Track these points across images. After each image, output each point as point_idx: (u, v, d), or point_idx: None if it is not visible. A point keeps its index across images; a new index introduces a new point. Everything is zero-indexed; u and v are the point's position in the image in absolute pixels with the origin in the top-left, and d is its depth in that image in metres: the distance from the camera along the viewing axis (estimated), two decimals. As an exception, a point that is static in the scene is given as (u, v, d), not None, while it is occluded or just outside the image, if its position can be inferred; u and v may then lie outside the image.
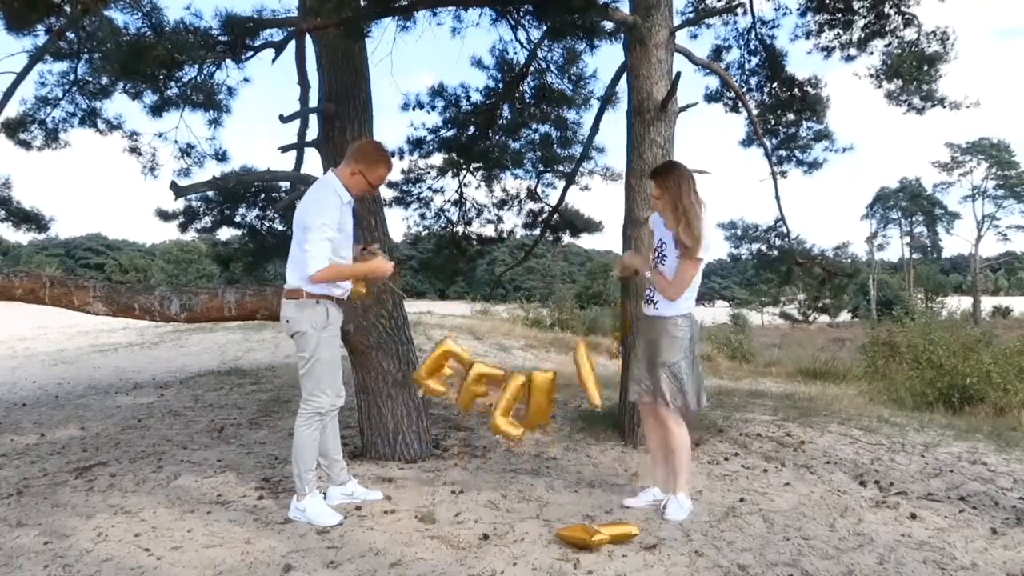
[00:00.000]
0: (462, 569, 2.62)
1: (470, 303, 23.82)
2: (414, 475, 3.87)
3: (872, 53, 6.82)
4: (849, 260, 8.41)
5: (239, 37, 4.54)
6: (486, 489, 3.61)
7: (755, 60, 7.15)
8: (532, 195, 7.73)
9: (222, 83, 6.17)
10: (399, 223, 47.27)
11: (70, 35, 5.64)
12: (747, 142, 7.34)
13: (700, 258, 3.12)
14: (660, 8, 4.65)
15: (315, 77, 4.62)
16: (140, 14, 5.13)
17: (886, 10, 6.50)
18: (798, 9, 6.85)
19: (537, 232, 7.70)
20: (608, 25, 5.16)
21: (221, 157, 6.64)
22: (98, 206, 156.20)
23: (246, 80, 6.50)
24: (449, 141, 7.27)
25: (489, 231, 7.89)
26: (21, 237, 51.96)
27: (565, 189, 7.26)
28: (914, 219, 55.27)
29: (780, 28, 9.87)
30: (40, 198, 7.29)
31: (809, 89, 6.93)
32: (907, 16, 6.48)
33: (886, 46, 6.74)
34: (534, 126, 7.42)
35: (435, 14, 5.16)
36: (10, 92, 4.92)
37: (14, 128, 6.11)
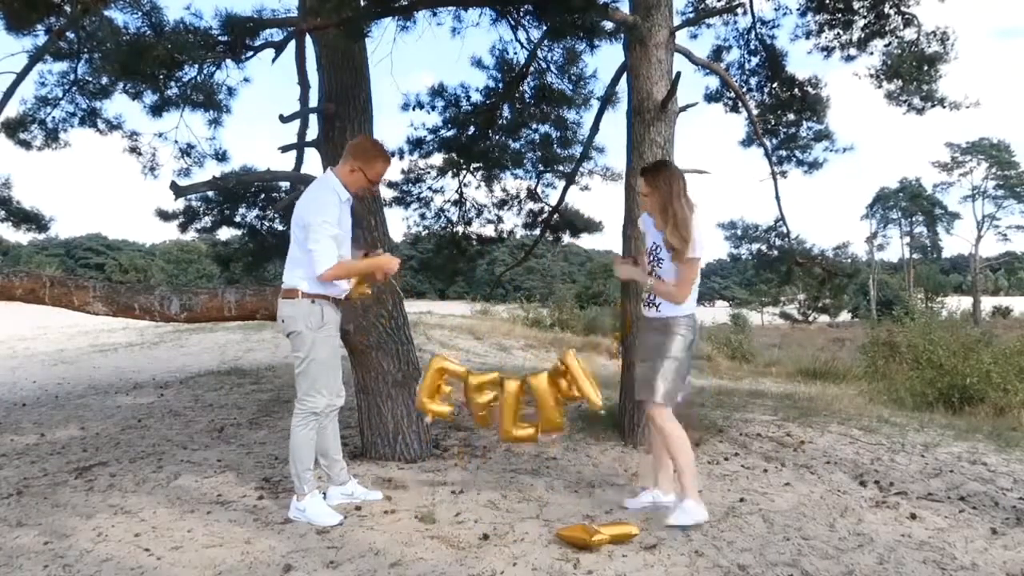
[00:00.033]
0: (462, 569, 2.62)
1: (470, 303, 23.87)
2: (414, 475, 3.87)
3: (872, 53, 6.83)
4: (849, 260, 8.41)
5: (239, 37, 4.54)
6: (486, 489, 3.61)
7: (755, 60, 7.16)
8: (532, 195, 7.73)
9: (222, 83, 6.19)
10: (399, 223, 47.32)
11: (70, 35, 5.64)
12: (747, 142, 7.34)
13: (696, 257, 3.11)
14: (660, 8, 4.65)
15: (315, 77, 4.63)
16: (140, 14, 5.12)
17: (886, 10, 6.50)
18: (798, 9, 6.86)
19: (537, 232, 7.70)
20: (608, 25, 5.16)
21: (221, 157, 6.65)
22: (98, 206, 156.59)
23: (246, 80, 6.52)
24: (449, 141, 7.27)
25: (489, 231, 7.90)
26: (21, 237, 52.03)
27: (565, 189, 7.26)
28: (914, 219, 55.33)
29: (780, 28, 9.87)
30: (40, 198, 7.29)
31: (809, 89, 6.93)
32: (907, 16, 6.49)
33: (886, 46, 6.75)
34: (534, 126, 7.42)
35: (435, 14, 5.16)
36: (10, 92, 4.93)
37: (14, 128, 6.11)
